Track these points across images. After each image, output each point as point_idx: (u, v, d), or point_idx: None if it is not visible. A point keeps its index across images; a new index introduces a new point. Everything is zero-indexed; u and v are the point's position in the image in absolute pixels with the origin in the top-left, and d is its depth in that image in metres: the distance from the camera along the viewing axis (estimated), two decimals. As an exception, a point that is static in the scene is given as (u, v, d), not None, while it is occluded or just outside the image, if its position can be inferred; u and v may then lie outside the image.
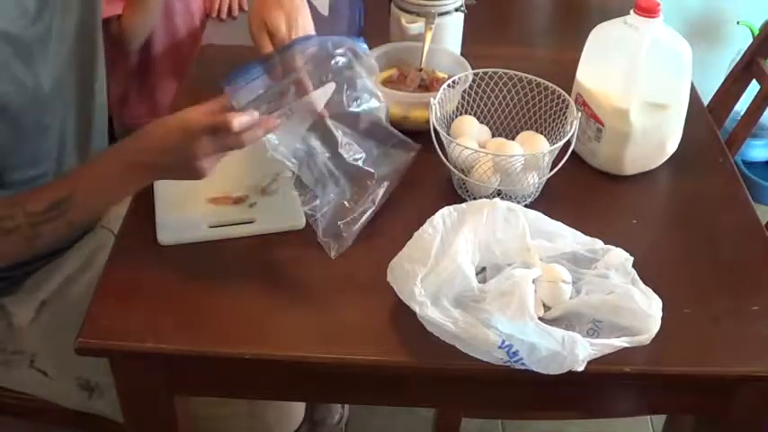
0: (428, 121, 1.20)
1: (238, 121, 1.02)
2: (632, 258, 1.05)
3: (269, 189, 1.22)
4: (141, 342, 1.01)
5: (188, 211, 1.18)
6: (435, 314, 0.97)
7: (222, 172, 1.25)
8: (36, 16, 1.12)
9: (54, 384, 1.28)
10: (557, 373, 0.96)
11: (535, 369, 0.96)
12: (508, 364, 0.97)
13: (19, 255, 1.13)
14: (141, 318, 1.04)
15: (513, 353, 0.95)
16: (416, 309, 0.98)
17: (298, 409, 1.38)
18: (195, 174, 1.06)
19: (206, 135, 1.03)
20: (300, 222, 1.17)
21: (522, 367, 0.96)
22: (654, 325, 0.98)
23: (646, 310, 0.99)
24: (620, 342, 0.97)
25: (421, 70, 1.37)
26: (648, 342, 0.98)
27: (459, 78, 1.29)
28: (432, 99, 1.21)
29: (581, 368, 0.95)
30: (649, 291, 1.02)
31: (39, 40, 1.14)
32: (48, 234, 1.07)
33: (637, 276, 1.04)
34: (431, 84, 1.35)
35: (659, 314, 0.99)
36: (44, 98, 1.16)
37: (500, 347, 0.94)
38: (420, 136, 1.25)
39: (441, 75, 1.38)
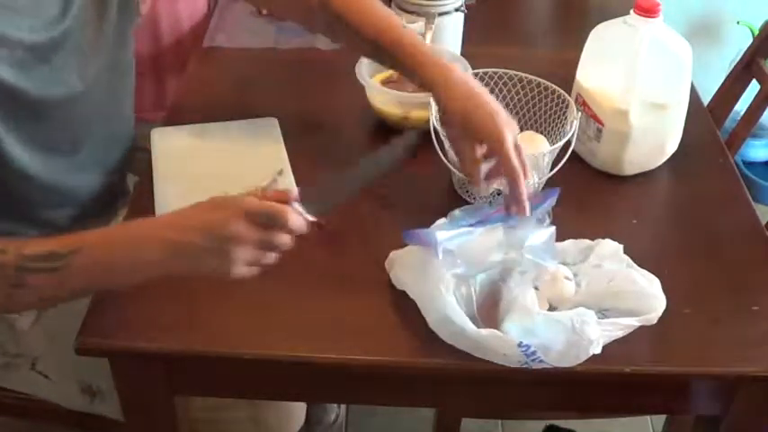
0: (428, 121, 1.20)
1: (296, 217, 0.93)
2: (622, 246, 1.06)
3: (269, 189, 1.21)
4: (141, 342, 1.02)
5: None
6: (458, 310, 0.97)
7: (222, 172, 1.25)
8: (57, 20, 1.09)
9: (56, 388, 1.28)
10: (576, 363, 0.96)
11: (555, 364, 0.96)
12: (526, 365, 0.97)
13: None
14: (141, 318, 1.04)
15: (532, 353, 0.95)
16: (444, 294, 0.98)
17: (299, 413, 1.38)
18: (226, 264, 0.92)
19: (254, 221, 0.92)
20: None
21: (541, 366, 0.96)
22: (659, 304, 0.99)
23: (649, 291, 1.00)
24: (630, 321, 0.97)
25: None
26: (656, 321, 0.98)
27: (459, 78, 1.28)
28: (432, 99, 1.21)
29: (598, 350, 0.95)
30: (646, 272, 1.03)
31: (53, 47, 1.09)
32: (32, 287, 0.92)
33: (631, 261, 1.05)
34: None
35: (661, 293, 1.00)
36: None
37: (519, 347, 0.95)
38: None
39: None
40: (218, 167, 1.26)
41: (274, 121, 1.35)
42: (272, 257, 0.96)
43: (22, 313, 1.25)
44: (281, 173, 1.25)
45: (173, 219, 0.96)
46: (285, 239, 0.94)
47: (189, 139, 1.31)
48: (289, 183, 1.23)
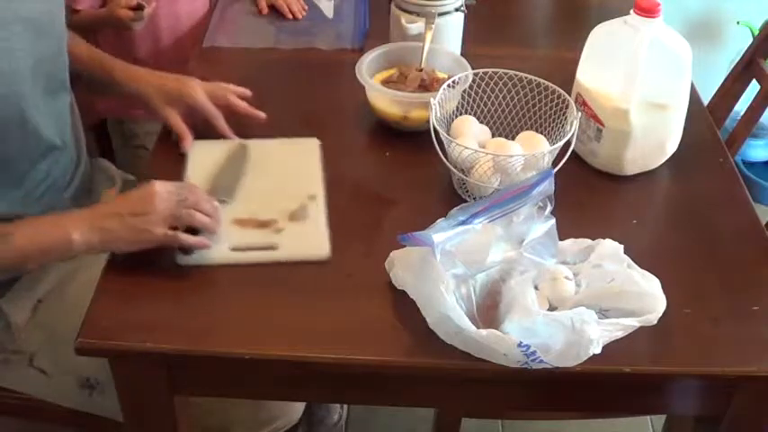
0: (428, 121, 1.20)
1: (203, 192, 1.13)
2: (622, 246, 1.06)
3: (298, 215, 1.17)
4: (141, 342, 1.01)
5: None
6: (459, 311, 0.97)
7: (252, 192, 1.21)
8: None
9: (54, 383, 1.28)
10: (576, 363, 0.96)
11: (555, 364, 0.96)
12: (526, 365, 0.97)
13: None
14: (141, 318, 1.04)
15: (532, 353, 0.95)
16: (446, 295, 0.97)
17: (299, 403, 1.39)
18: (147, 222, 1.06)
19: (170, 187, 1.09)
20: (324, 252, 1.12)
21: (541, 366, 0.96)
22: (659, 304, 1.00)
23: (649, 291, 1.00)
24: (630, 321, 0.97)
25: (421, 70, 1.37)
26: (656, 321, 0.98)
27: (459, 78, 1.29)
28: (432, 99, 1.21)
29: (598, 350, 0.95)
30: (646, 273, 1.03)
31: None
32: None
33: (631, 261, 1.05)
34: (431, 84, 1.35)
35: (661, 293, 1.01)
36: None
37: (519, 347, 0.95)
38: (420, 136, 1.25)
39: (441, 75, 1.38)
40: (250, 186, 1.23)
41: (316, 144, 1.31)
42: (190, 216, 1.09)
43: (16, 310, 1.25)
44: (312, 198, 1.20)
45: (94, 206, 1.14)
46: (199, 206, 1.10)
47: (226, 153, 1.28)
48: (319, 210, 1.18)
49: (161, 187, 1.09)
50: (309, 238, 1.14)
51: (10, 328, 1.26)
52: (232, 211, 1.17)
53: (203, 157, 1.28)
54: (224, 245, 1.13)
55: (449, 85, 1.27)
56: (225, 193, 1.20)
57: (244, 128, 1.33)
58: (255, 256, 1.12)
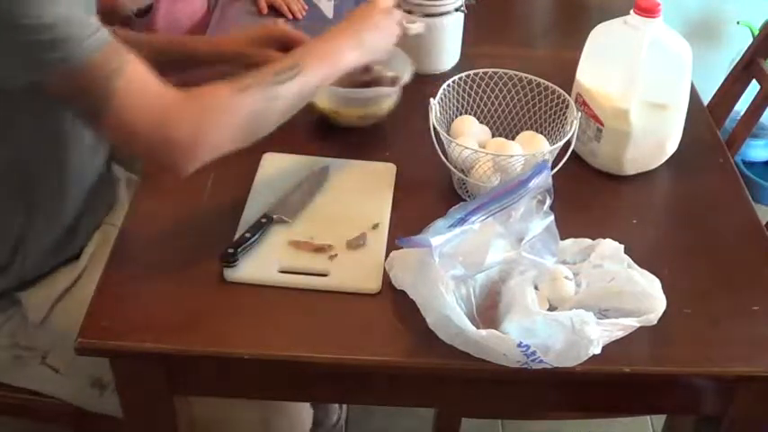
0: (360, 117, 1.23)
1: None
2: (622, 246, 1.06)
3: (355, 243, 1.13)
4: (141, 342, 1.02)
5: (265, 248, 1.12)
6: (459, 312, 0.97)
7: (316, 215, 1.18)
8: None
9: (65, 381, 1.28)
10: (576, 363, 0.96)
11: (555, 364, 0.96)
12: (526, 365, 0.97)
13: (258, 120, 1.10)
14: (141, 318, 1.04)
15: (531, 353, 0.95)
16: (446, 295, 0.97)
17: (306, 417, 1.38)
18: (387, 22, 1.22)
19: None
20: (374, 286, 1.09)
21: (541, 366, 0.96)
22: (659, 304, 1.00)
23: (649, 291, 1.00)
24: (630, 321, 0.97)
25: (370, 69, 1.32)
26: (656, 321, 0.98)
27: (456, 79, 1.28)
28: (431, 99, 1.21)
29: (598, 350, 0.95)
30: (646, 272, 1.03)
31: None
32: (282, 98, 1.10)
33: (631, 261, 1.05)
34: (372, 82, 1.31)
35: (661, 294, 1.01)
36: None
37: (518, 347, 0.95)
38: (420, 136, 1.24)
39: (390, 74, 1.32)
40: (317, 208, 1.20)
41: (392, 169, 1.27)
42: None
43: (35, 306, 1.25)
44: (375, 227, 1.16)
45: (349, 22, 1.21)
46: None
47: (297, 168, 1.25)
48: (380, 240, 1.14)
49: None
50: (362, 269, 1.10)
51: (26, 323, 1.26)
52: (291, 232, 1.15)
53: (274, 170, 1.25)
54: (274, 266, 1.10)
55: (449, 85, 1.26)
56: (287, 213, 1.16)
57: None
58: (303, 281, 1.09)
